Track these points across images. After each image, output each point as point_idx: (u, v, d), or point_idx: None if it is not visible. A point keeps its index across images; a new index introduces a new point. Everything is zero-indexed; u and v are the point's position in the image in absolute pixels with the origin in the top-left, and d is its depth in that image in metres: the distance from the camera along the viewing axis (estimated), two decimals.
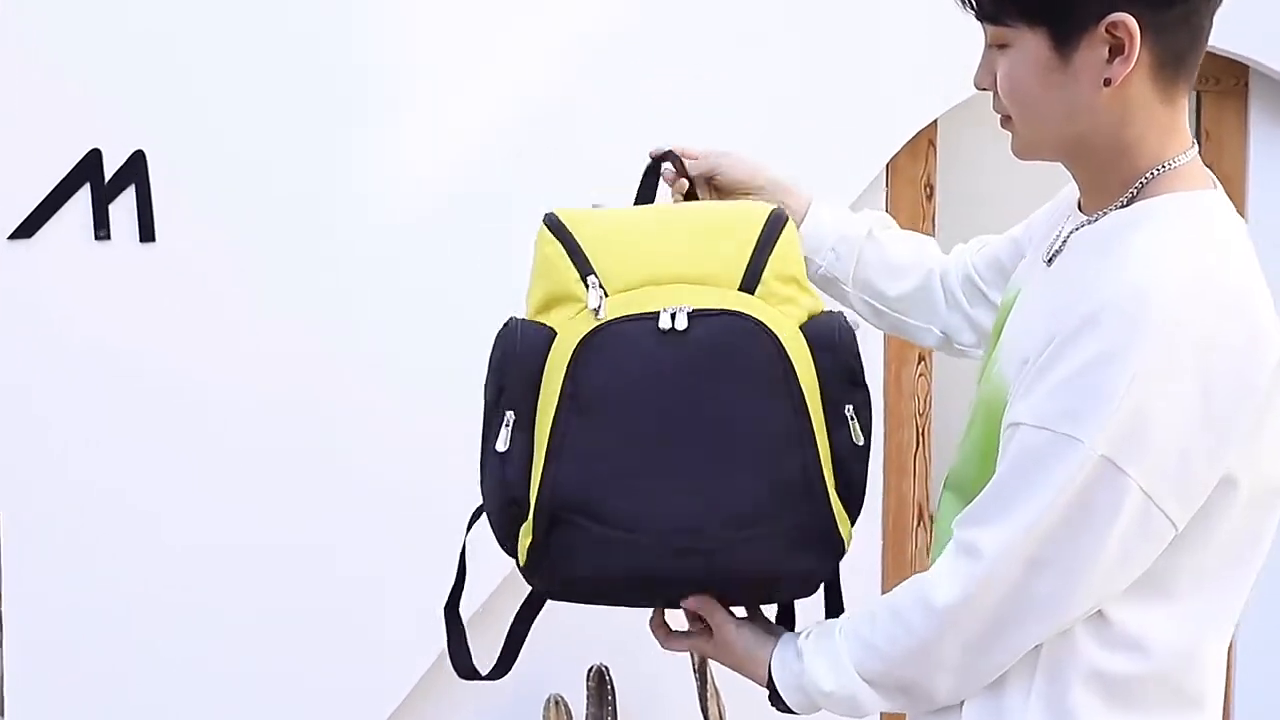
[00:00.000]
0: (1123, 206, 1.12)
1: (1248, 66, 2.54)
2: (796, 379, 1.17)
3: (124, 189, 2.10)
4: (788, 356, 1.17)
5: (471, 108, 2.22)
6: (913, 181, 2.47)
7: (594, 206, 1.32)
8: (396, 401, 2.21)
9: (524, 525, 1.20)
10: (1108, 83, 1.08)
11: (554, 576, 1.26)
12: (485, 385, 1.24)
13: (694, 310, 1.16)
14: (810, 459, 1.18)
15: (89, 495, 2.14)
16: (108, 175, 2.09)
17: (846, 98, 2.31)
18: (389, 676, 2.23)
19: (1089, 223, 1.16)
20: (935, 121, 2.43)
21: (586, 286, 1.20)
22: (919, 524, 2.57)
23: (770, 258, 1.23)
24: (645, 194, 1.45)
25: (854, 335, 1.24)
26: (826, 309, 1.26)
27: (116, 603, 2.15)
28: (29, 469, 2.13)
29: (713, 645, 1.29)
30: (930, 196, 2.48)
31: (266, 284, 2.18)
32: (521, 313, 1.27)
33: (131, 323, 2.14)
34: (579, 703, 2.26)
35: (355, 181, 2.19)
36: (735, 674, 2.10)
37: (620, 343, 1.17)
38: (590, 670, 2.25)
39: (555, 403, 1.17)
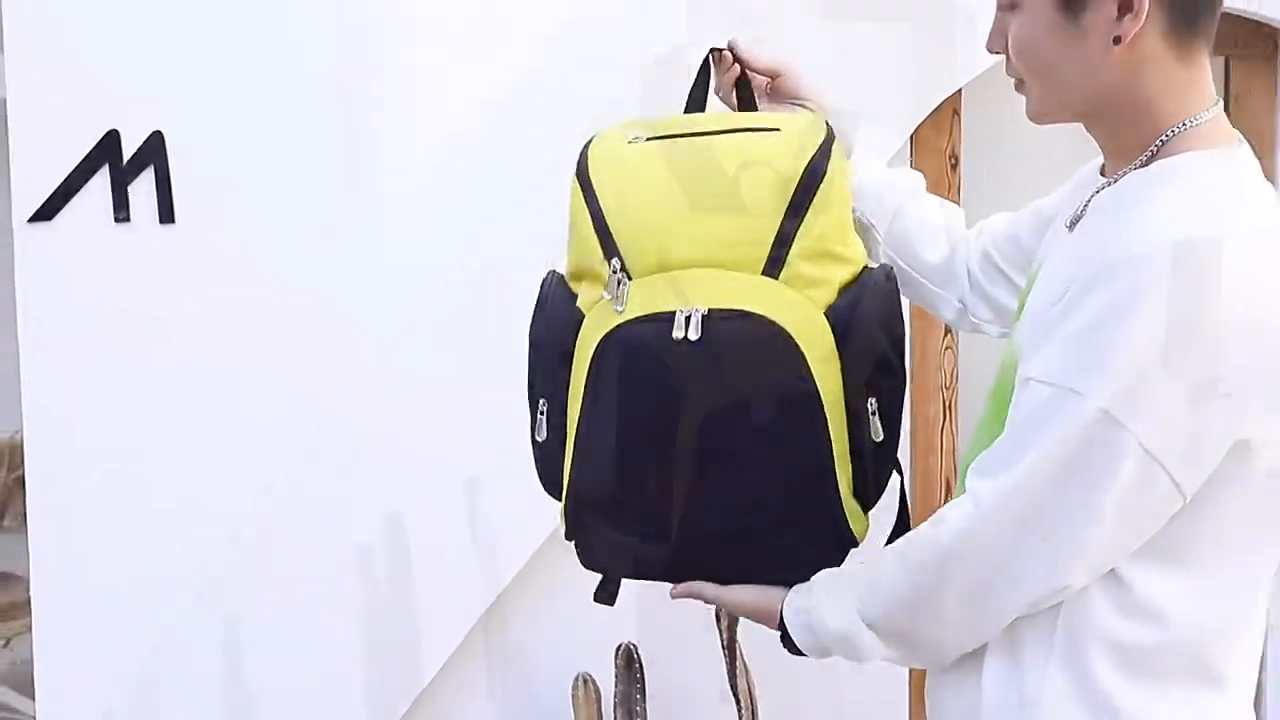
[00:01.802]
0: (1142, 166, 1.11)
1: (1277, 29, 2.50)
2: (813, 382, 1.16)
3: (143, 170, 2.10)
4: (803, 361, 1.15)
5: (481, 79, 2.21)
6: (937, 152, 2.44)
7: (631, 140, 1.25)
8: (418, 383, 2.21)
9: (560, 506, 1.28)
10: (1118, 40, 1.06)
11: (582, 559, 1.33)
12: (529, 333, 1.30)
13: (709, 312, 1.15)
14: (823, 464, 1.18)
15: (113, 478, 2.15)
16: (126, 157, 2.08)
17: (869, 69, 2.28)
18: (419, 656, 2.24)
19: (1109, 185, 1.14)
20: (960, 91, 2.40)
21: (610, 270, 1.19)
22: (946, 500, 2.56)
23: (799, 231, 1.18)
24: (697, 94, 1.37)
25: (895, 296, 1.22)
26: (866, 267, 1.23)
27: (141, 581, 2.16)
28: (54, 451, 2.13)
29: (727, 591, 1.28)
30: (955, 167, 2.45)
31: (285, 262, 2.18)
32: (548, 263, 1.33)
33: (152, 303, 2.15)
34: (608, 681, 2.26)
35: (370, 158, 2.19)
36: (764, 652, 2.11)
37: (636, 348, 1.17)
38: (619, 648, 2.25)
39: (580, 405, 1.21)
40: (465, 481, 2.24)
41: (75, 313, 2.14)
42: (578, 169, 1.25)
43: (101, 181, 2.09)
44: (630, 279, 1.18)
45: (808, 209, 1.18)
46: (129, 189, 2.10)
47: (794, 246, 1.18)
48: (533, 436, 1.29)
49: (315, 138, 2.15)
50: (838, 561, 1.24)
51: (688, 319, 1.15)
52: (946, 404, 2.51)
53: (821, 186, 1.18)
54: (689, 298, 1.16)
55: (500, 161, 2.21)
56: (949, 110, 2.42)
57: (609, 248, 1.20)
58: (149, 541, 2.16)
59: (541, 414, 1.26)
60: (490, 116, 2.22)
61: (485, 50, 2.22)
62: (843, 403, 1.18)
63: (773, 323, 1.15)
